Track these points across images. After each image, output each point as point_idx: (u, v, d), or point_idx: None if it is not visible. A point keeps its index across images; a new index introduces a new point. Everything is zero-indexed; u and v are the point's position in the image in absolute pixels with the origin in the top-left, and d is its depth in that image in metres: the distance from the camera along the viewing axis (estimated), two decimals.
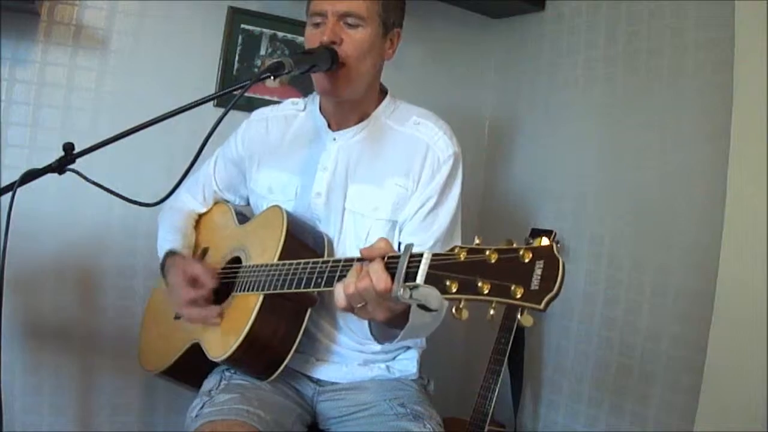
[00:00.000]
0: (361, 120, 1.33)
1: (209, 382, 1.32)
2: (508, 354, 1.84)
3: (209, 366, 1.33)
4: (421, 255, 0.84)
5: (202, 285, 1.26)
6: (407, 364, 1.40)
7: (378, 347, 1.35)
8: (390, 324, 1.10)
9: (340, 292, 0.94)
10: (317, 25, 1.24)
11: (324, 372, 1.36)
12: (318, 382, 1.37)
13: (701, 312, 1.54)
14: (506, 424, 1.95)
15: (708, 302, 1.52)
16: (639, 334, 1.75)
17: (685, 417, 1.56)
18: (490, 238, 0.82)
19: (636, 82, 1.82)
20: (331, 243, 1.30)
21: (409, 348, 1.42)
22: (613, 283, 1.84)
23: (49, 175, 1.00)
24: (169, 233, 1.45)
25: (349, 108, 1.32)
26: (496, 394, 1.81)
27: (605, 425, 1.82)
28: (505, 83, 2.33)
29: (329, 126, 1.35)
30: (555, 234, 1.90)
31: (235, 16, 1.95)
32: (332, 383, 1.36)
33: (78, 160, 1.01)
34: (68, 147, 1.00)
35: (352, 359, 1.36)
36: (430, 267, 0.82)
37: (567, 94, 2.06)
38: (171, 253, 1.38)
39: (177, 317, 1.39)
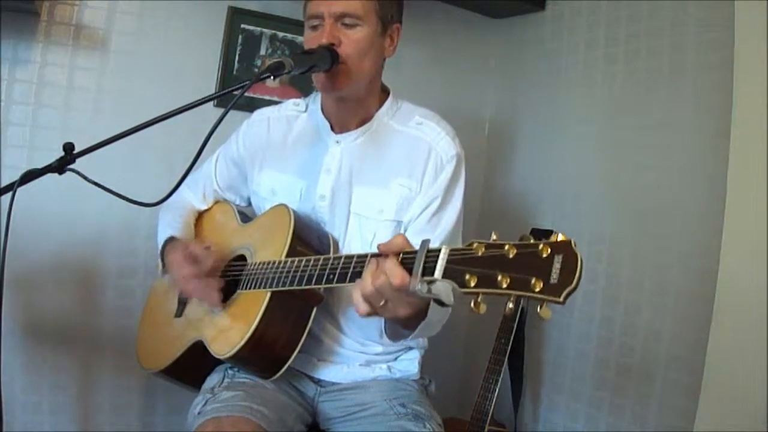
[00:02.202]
0: (363, 122, 1.33)
1: (212, 380, 1.32)
2: (508, 354, 1.84)
3: (210, 365, 1.34)
4: (439, 250, 0.84)
5: (202, 262, 1.25)
6: (408, 364, 1.40)
7: (380, 348, 1.36)
8: (408, 322, 1.10)
9: (358, 296, 0.93)
10: (315, 27, 1.24)
11: (325, 372, 1.36)
12: (319, 382, 1.37)
13: (701, 312, 1.54)
14: (506, 424, 1.95)
15: (708, 302, 1.52)
16: (639, 334, 1.75)
17: (685, 417, 1.56)
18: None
19: (636, 82, 1.82)
20: (336, 243, 1.30)
21: (411, 348, 1.42)
22: (613, 282, 1.84)
23: (49, 175, 1.00)
24: (170, 224, 1.44)
25: (351, 108, 1.32)
26: (496, 394, 1.81)
27: (605, 425, 1.82)
28: (505, 83, 2.33)
29: (332, 128, 1.34)
30: (555, 234, 1.90)
31: (235, 16, 1.95)
32: (333, 383, 1.36)
33: (78, 160, 1.01)
34: (68, 147, 1.00)
35: (354, 360, 1.36)
36: (448, 261, 0.83)
37: (567, 94, 2.06)
38: (171, 239, 1.38)
39: (177, 315, 1.40)
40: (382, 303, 0.93)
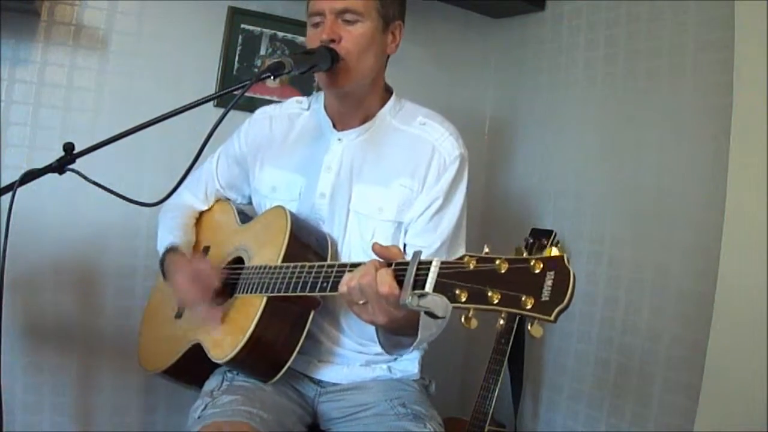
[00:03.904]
0: (365, 120, 1.33)
1: (211, 383, 1.32)
2: (508, 354, 1.84)
3: (210, 366, 1.33)
4: (430, 263, 0.83)
5: (207, 284, 1.26)
6: (408, 364, 1.40)
7: (380, 348, 1.35)
8: (394, 332, 1.11)
9: (344, 281, 0.97)
10: (317, 25, 1.25)
11: (326, 373, 1.36)
12: (319, 382, 1.37)
13: (701, 312, 1.54)
14: (506, 424, 1.95)
15: (708, 302, 1.52)
16: (639, 335, 1.74)
17: (685, 417, 1.56)
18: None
19: (636, 82, 1.82)
20: (335, 245, 1.30)
21: None
22: (613, 283, 1.84)
23: (49, 175, 1.00)
24: (170, 230, 1.44)
25: (353, 106, 1.32)
26: (496, 394, 1.81)
27: (605, 425, 1.82)
28: (505, 83, 2.33)
29: (334, 126, 1.34)
30: (555, 234, 1.90)
31: (235, 16, 1.95)
32: (334, 384, 1.36)
33: (78, 160, 1.01)
34: (68, 147, 1.00)
35: (354, 360, 1.36)
36: (439, 275, 0.82)
37: (567, 94, 2.06)
38: (172, 249, 1.38)
39: (178, 316, 1.39)
40: (362, 302, 0.95)
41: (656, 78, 1.76)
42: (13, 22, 1.66)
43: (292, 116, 1.41)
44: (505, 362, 1.84)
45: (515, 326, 1.85)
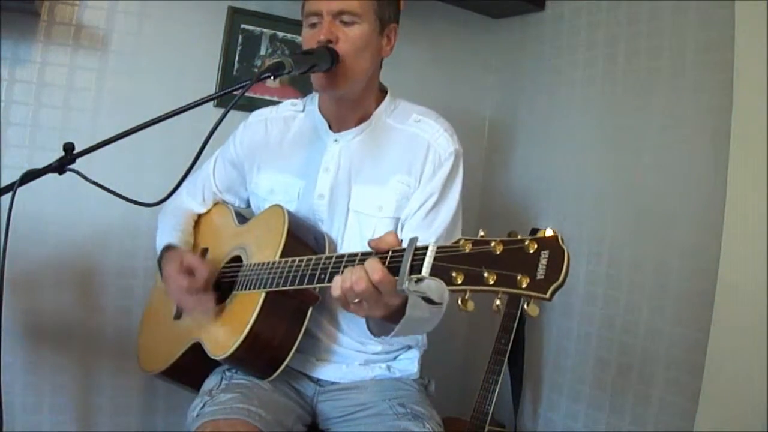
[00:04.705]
0: (361, 120, 1.33)
1: (210, 382, 1.32)
2: (508, 354, 1.84)
3: (209, 366, 1.34)
4: (426, 247, 0.84)
5: (197, 275, 1.26)
6: (408, 364, 1.41)
7: (379, 347, 1.36)
8: (388, 320, 1.11)
9: (336, 283, 0.96)
10: (313, 25, 1.25)
11: (324, 372, 1.36)
12: (318, 381, 1.37)
13: (701, 312, 1.54)
14: (506, 424, 1.95)
15: (708, 302, 1.52)
16: (639, 335, 1.75)
17: (685, 417, 1.56)
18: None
19: (636, 82, 1.82)
20: (332, 242, 1.31)
21: (410, 348, 1.42)
22: (613, 283, 1.84)
23: (49, 175, 1.00)
24: (168, 232, 1.45)
25: (349, 107, 1.32)
26: (496, 394, 1.81)
27: (605, 425, 1.82)
28: (505, 83, 2.33)
29: (330, 127, 1.35)
30: None
31: (235, 16, 1.95)
32: (332, 383, 1.36)
33: (78, 160, 1.01)
34: (68, 147, 1.01)
35: (353, 359, 1.36)
36: (436, 259, 0.83)
37: (567, 94, 2.06)
38: (168, 248, 1.38)
39: (177, 317, 1.40)
40: (356, 300, 0.94)
41: (656, 78, 1.76)
42: (13, 22, 1.66)
43: (287, 119, 1.42)
44: (505, 362, 1.84)
45: (515, 326, 1.85)
